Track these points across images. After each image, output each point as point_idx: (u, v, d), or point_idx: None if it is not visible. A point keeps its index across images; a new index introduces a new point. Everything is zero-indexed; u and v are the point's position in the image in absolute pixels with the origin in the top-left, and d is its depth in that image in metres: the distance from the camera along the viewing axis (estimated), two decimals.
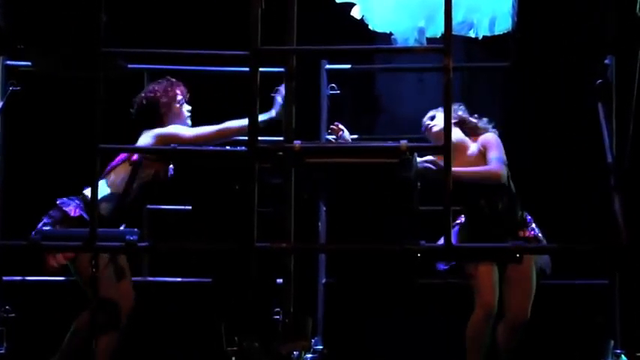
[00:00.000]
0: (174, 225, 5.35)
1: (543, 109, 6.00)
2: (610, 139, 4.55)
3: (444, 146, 4.01)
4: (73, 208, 4.71)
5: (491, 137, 4.86)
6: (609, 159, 4.48)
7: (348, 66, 5.44)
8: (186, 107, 5.02)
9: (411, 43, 5.18)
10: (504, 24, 5.24)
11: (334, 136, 5.04)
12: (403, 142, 4.10)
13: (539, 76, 5.88)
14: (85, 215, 4.66)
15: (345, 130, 5.03)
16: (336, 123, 5.06)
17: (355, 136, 5.36)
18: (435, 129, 4.95)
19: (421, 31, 5.26)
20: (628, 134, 4.32)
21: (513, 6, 4.53)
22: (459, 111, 4.99)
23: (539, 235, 4.85)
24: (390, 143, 4.21)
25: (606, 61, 4.68)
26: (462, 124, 4.96)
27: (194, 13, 6.15)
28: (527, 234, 4.80)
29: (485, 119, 4.97)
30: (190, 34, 5.98)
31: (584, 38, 4.57)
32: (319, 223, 5.14)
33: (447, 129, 3.98)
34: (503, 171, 4.76)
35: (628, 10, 4.12)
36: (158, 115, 4.91)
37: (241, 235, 4.15)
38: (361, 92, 6.16)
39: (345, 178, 4.28)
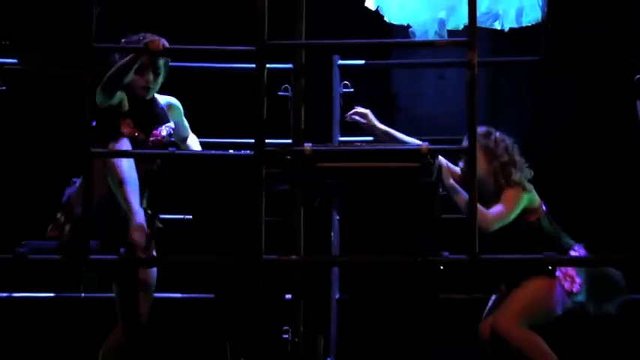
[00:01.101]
0: (173, 236, 5.29)
1: (577, 108, 5.93)
2: None
3: (469, 149, 3.94)
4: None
5: (512, 193, 4.74)
6: None
7: (362, 62, 5.38)
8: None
9: (431, 36, 5.13)
10: (533, 14, 5.18)
11: (362, 120, 4.87)
12: (424, 145, 4.04)
13: (572, 72, 5.80)
14: None
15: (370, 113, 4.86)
16: (355, 108, 4.91)
17: (370, 138, 5.29)
18: None
19: (442, 22, 5.21)
20: None
21: None
22: (514, 150, 4.83)
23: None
24: (409, 146, 4.15)
25: None
26: (503, 169, 4.79)
27: (196, 6, 6.11)
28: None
29: (527, 170, 4.82)
30: (192, 28, 5.94)
31: (622, 29, 4.51)
32: (332, 234, 5.09)
33: (470, 129, 3.91)
34: (493, 226, 4.67)
35: None
36: None
37: (247, 246, 4.10)
38: (377, 90, 6.11)
39: (360, 184, 4.22)
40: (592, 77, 5.75)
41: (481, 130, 4.79)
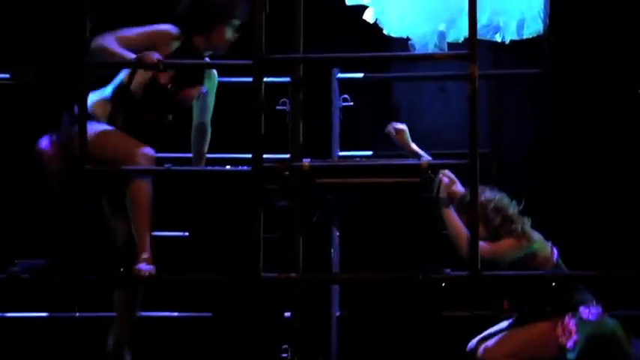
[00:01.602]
0: (171, 253, 5.30)
1: (580, 122, 5.95)
2: None
3: (469, 164, 3.97)
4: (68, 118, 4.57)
5: (509, 242, 4.75)
6: None
7: (362, 75, 5.39)
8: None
9: (431, 48, 5.15)
10: (534, 27, 5.20)
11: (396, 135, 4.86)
12: (424, 160, 4.06)
13: (575, 84, 5.82)
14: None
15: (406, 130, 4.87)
16: (393, 124, 4.92)
17: (370, 153, 5.32)
18: None
19: (442, 35, 5.23)
20: None
21: (545, 6, 4.49)
22: (504, 204, 4.83)
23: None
24: (409, 161, 4.17)
25: None
26: (502, 228, 4.80)
27: None
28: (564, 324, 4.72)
29: (524, 219, 4.83)
30: None
31: (628, 41, 4.54)
32: (332, 250, 5.10)
33: (472, 143, 3.94)
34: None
35: None
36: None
37: (245, 264, 4.12)
38: (376, 103, 6.12)
39: (359, 199, 4.24)
40: (594, 89, 5.77)
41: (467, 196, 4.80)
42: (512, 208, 4.76)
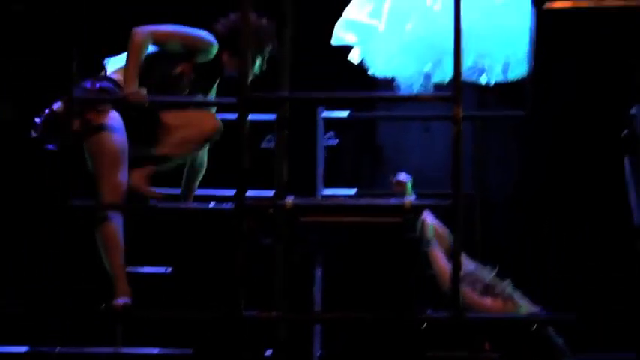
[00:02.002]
0: (153, 288, 5.30)
1: (563, 163, 6.00)
2: (637, 197, 4.54)
3: (452, 205, 4.00)
4: (91, 82, 4.62)
5: (497, 302, 4.79)
6: (636, 221, 4.47)
7: (347, 113, 5.43)
8: None
9: (416, 89, 5.20)
10: (519, 69, 5.26)
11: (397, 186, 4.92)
12: (407, 200, 4.09)
13: (557, 127, 5.88)
14: (108, 85, 4.59)
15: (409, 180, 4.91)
16: (400, 175, 4.96)
17: (354, 191, 5.34)
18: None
19: (427, 76, 5.29)
20: None
21: (529, 50, 4.55)
22: (483, 273, 4.87)
23: None
24: (393, 201, 4.20)
25: (632, 111, 4.69)
26: (486, 292, 4.84)
27: None
28: None
29: (511, 287, 4.88)
30: None
31: (609, 85, 4.60)
32: (314, 289, 5.11)
33: (455, 184, 3.97)
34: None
35: None
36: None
37: (227, 301, 4.13)
38: (362, 142, 6.16)
39: (343, 239, 4.27)
40: (578, 133, 5.83)
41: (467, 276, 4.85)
42: (488, 276, 4.80)
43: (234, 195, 4.10)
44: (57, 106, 4.61)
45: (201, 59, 4.70)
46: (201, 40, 4.69)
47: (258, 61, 4.77)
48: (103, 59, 4.76)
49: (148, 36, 4.58)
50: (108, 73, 4.69)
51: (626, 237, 4.46)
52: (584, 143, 5.86)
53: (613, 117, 4.74)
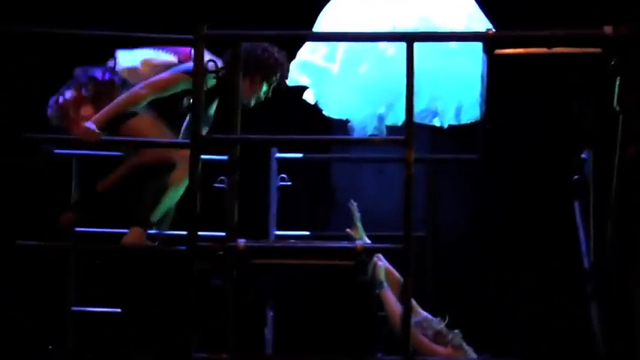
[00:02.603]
0: (102, 329, 5.29)
1: (514, 207, 6.07)
2: (587, 241, 4.60)
3: (404, 248, 4.04)
4: (101, 73, 4.71)
5: (448, 349, 4.84)
6: (586, 264, 4.52)
7: (300, 155, 5.47)
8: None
9: (370, 131, 5.24)
10: (472, 113, 5.33)
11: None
12: (359, 243, 4.13)
13: (509, 170, 5.96)
14: (117, 79, 4.68)
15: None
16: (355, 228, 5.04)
17: (307, 233, 5.38)
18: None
19: (381, 118, 5.34)
20: (606, 236, 4.38)
21: (482, 95, 4.62)
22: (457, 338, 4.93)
23: None
24: (344, 243, 4.23)
25: (583, 156, 4.77)
26: (436, 338, 4.90)
27: None
28: None
29: (460, 337, 4.93)
30: None
31: (560, 131, 4.67)
32: (266, 331, 5.12)
33: (406, 227, 4.01)
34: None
35: (606, 103, 4.23)
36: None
37: (177, 343, 4.12)
38: (316, 184, 6.19)
39: (294, 280, 4.28)
40: (530, 177, 5.91)
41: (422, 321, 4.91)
42: (438, 325, 4.85)
43: (186, 236, 4.11)
44: (69, 94, 4.66)
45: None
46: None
47: (264, 88, 4.87)
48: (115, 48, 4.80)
49: (149, 92, 4.67)
50: (118, 66, 4.76)
51: (576, 279, 4.52)
52: (537, 187, 5.94)
53: (564, 161, 4.81)
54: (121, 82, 4.74)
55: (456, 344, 4.75)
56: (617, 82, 4.12)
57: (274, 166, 5.43)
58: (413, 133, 4.11)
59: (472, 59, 5.22)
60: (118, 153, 4.96)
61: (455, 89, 5.38)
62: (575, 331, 4.47)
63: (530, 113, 4.72)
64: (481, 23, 5.34)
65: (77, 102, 4.66)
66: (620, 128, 4.15)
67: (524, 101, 4.53)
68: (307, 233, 5.38)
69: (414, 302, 4.73)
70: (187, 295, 4.06)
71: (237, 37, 4.39)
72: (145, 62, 4.80)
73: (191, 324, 4.06)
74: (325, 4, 5.39)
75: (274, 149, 5.42)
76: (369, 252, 4.22)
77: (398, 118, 5.30)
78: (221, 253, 4.17)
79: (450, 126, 5.41)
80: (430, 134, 5.73)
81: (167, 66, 4.79)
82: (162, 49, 4.85)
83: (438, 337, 4.77)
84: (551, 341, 5.03)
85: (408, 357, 3.96)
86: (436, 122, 5.42)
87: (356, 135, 5.08)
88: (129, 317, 5.01)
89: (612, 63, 4.12)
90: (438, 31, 5.11)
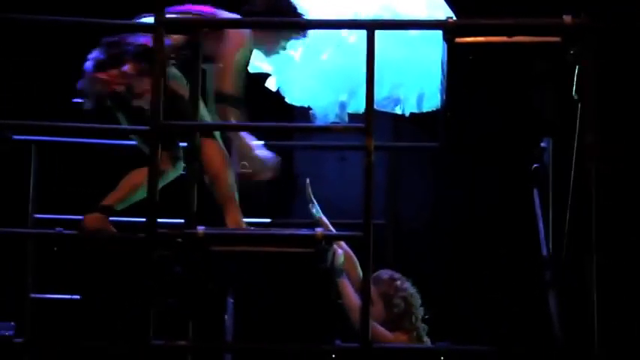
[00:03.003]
0: (60, 315, 5.28)
1: (475, 194, 6.10)
2: (545, 229, 4.64)
3: (363, 236, 4.06)
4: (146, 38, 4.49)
5: (405, 339, 4.88)
6: (544, 252, 4.56)
7: (262, 142, 5.47)
8: None
9: (332, 118, 5.26)
10: (433, 101, 5.37)
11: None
12: (319, 230, 4.15)
13: (470, 159, 5.99)
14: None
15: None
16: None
17: (268, 220, 5.39)
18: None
19: (342, 105, 5.37)
20: (565, 224, 4.42)
21: (442, 83, 4.64)
22: (414, 300, 4.96)
23: None
24: (304, 231, 4.24)
25: (543, 144, 4.81)
26: (399, 319, 4.92)
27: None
28: None
29: (423, 325, 4.98)
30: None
31: (520, 119, 4.70)
32: (225, 317, 5.13)
33: (367, 208, 4.03)
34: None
35: (565, 92, 4.27)
36: None
37: (135, 330, 4.13)
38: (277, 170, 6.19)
39: (254, 268, 4.30)
40: (490, 165, 5.94)
41: (385, 274, 4.95)
42: (419, 311, 4.88)
43: (146, 222, 4.11)
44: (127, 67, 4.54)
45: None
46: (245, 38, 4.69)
47: (283, 43, 4.85)
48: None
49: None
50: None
51: (535, 266, 4.56)
52: (497, 175, 5.98)
53: (524, 149, 4.85)
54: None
55: (414, 336, 4.79)
56: (576, 71, 4.16)
57: (235, 153, 5.42)
58: (372, 121, 4.13)
59: (434, 48, 5.25)
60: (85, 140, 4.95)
61: (417, 77, 5.42)
62: (533, 317, 4.51)
63: (491, 102, 4.73)
64: (442, 12, 5.38)
65: (140, 71, 4.52)
66: (578, 117, 4.19)
67: (485, 90, 4.55)
68: (268, 220, 5.39)
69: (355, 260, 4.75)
70: (146, 282, 4.06)
71: (197, 22, 4.39)
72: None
73: (149, 311, 4.06)
74: None
75: None
76: (329, 239, 4.23)
77: (360, 105, 5.32)
78: (179, 240, 4.18)
79: (411, 114, 5.45)
80: (392, 122, 5.75)
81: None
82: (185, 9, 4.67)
83: (405, 316, 4.81)
84: (511, 327, 5.08)
85: (365, 346, 3.98)
86: (398, 110, 5.46)
87: (318, 122, 5.09)
88: (87, 304, 5.00)
89: (571, 52, 4.16)
90: (399, 19, 5.14)
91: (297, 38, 4.89)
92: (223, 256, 4.21)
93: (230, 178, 4.55)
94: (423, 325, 4.92)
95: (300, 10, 4.83)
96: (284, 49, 4.91)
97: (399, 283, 4.93)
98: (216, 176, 4.53)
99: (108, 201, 4.64)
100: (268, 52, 4.92)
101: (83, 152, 5.23)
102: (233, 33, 4.65)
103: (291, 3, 4.83)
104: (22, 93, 6.03)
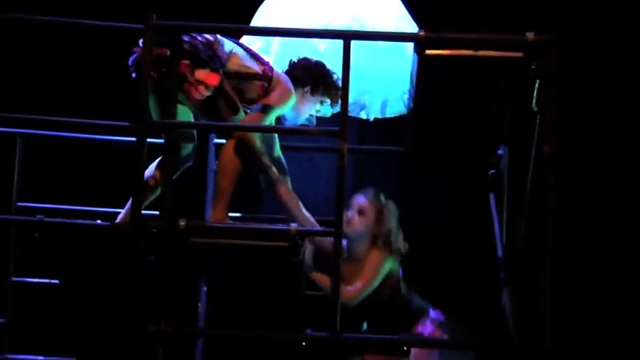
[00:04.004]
0: (40, 300, 5.25)
1: (436, 197, 6.17)
2: (501, 231, 4.71)
3: (335, 232, 4.10)
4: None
5: (378, 256, 4.94)
6: (499, 252, 4.63)
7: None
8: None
9: (301, 121, 5.29)
10: (396, 107, 5.45)
11: None
12: (293, 226, 4.18)
13: (431, 163, 6.06)
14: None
15: None
16: None
17: (238, 215, 5.40)
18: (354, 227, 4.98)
19: None
20: (520, 228, 4.49)
21: (409, 91, 4.70)
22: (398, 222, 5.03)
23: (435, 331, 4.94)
24: (279, 226, 4.27)
25: (500, 152, 4.88)
26: (387, 235, 4.99)
27: (77, 76, 6.11)
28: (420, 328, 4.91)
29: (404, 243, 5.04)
30: (73, 99, 5.94)
31: (479, 128, 4.78)
32: (199, 305, 5.14)
33: (338, 208, 4.07)
34: (358, 299, 4.84)
35: (524, 103, 4.33)
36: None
37: (114, 315, 4.12)
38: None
39: (230, 259, 4.32)
40: (450, 169, 6.01)
41: (372, 192, 5.00)
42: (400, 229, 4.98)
43: (131, 214, 4.12)
44: None
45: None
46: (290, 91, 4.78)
47: (317, 107, 4.96)
48: None
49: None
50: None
51: (491, 267, 4.63)
52: (455, 179, 6.05)
53: (483, 156, 4.91)
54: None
55: (390, 248, 4.89)
56: (537, 85, 4.23)
57: (212, 150, 5.44)
58: (347, 125, 4.18)
59: (397, 57, 5.33)
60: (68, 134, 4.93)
61: (381, 85, 5.48)
62: (489, 314, 4.57)
63: (453, 110, 4.79)
64: (408, 24, 5.44)
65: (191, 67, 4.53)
66: (537, 128, 4.26)
67: (449, 99, 4.62)
68: (239, 215, 5.41)
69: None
70: (129, 270, 4.07)
71: (181, 27, 4.41)
72: (234, 55, 4.71)
73: (133, 298, 4.06)
74: (261, 3, 5.44)
75: (212, 135, 5.44)
76: (303, 235, 4.27)
77: (327, 110, 5.37)
78: (155, 230, 4.17)
79: (375, 119, 5.50)
80: (357, 126, 5.80)
81: (250, 73, 4.73)
82: (250, 52, 4.80)
83: (389, 235, 4.89)
84: (469, 325, 5.15)
85: (335, 335, 4.02)
86: (363, 115, 5.52)
87: (288, 124, 5.12)
88: (67, 289, 4.98)
89: (532, 67, 4.23)
90: (369, 30, 5.19)
91: (331, 104, 4.98)
92: (202, 247, 4.22)
93: (231, 180, 4.58)
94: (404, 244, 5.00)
95: (335, 77, 4.89)
96: (318, 112, 5.01)
97: (389, 202, 5.00)
98: (222, 171, 4.57)
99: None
100: (299, 114, 4.99)
101: (66, 145, 5.19)
102: (283, 90, 4.76)
103: (328, 69, 4.92)
104: (9, 85, 5.97)
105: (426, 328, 4.93)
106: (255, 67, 4.75)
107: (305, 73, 4.88)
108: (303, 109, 4.96)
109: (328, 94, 4.93)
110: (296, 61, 4.93)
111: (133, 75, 4.59)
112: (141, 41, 4.47)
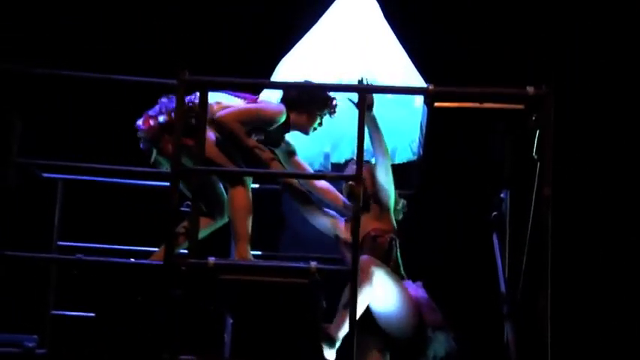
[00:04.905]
0: (77, 332, 5.31)
1: (442, 237, 6.23)
2: (503, 268, 4.79)
3: (351, 270, 4.19)
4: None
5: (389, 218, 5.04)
6: (502, 288, 4.71)
7: (256, 185, 5.58)
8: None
9: (316, 166, 5.40)
10: (405, 154, 5.54)
11: None
12: (313, 264, 4.27)
13: (439, 205, 6.13)
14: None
15: None
16: None
17: (259, 252, 5.49)
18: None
19: (327, 156, 5.53)
20: (521, 265, 4.58)
21: (420, 140, 4.80)
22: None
23: None
24: (300, 264, 4.36)
25: (502, 195, 4.97)
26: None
27: (114, 121, 6.19)
28: None
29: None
30: (111, 145, 6.03)
31: (483, 174, 4.88)
32: (225, 335, 5.20)
33: (355, 256, 4.15)
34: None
35: (525, 151, 4.44)
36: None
37: (146, 346, 4.19)
38: (266, 209, 6.29)
39: (254, 294, 4.40)
40: (456, 211, 6.09)
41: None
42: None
43: (165, 253, 4.21)
44: (162, 118, 4.75)
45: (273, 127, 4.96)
46: (279, 112, 4.93)
47: (319, 120, 5.08)
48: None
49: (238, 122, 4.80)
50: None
51: (494, 303, 4.70)
52: (460, 221, 6.12)
53: (486, 199, 5.00)
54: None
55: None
56: (537, 135, 4.34)
57: None
58: (362, 169, 4.29)
59: (405, 108, 5.43)
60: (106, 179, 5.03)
61: (390, 133, 5.57)
62: (493, 346, 4.64)
63: (460, 157, 4.89)
64: (415, 77, 5.54)
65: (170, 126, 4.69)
66: (537, 174, 4.37)
67: (456, 147, 4.72)
68: (259, 253, 5.49)
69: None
70: (163, 306, 4.15)
71: (212, 83, 4.52)
72: (218, 103, 4.88)
73: (164, 330, 4.14)
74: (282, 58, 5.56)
75: None
76: (321, 272, 4.35)
77: (341, 156, 5.50)
78: (183, 268, 4.26)
79: None
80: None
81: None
82: (231, 94, 4.97)
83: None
84: (473, 355, 5.20)
85: None
86: (373, 161, 5.60)
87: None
88: (103, 322, 5.05)
89: (533, 118, 4.35)
90: (378, 84, 5.30)
91: (330, 114, 5.12)
92: (229, 283, 4.31)
93: (247, 221, 4.74)
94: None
95: (332, 96, 5.07)
96: (320, 125, 5.13)
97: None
98: (236, 218, 4.72)
99: None
100: (306, 131, 5.13)
101: (105, 189, 5.29)
102: (264, 103, 5.02)
103: (318, 83, 5.08)
104: (53, 133, 6.07)
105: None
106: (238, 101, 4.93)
107: (298, 92, 5.03)
108: (306, 124, 5.07)
109: (324, 106, 5.06)
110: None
111: (141, 146, 4.82)
112: (161, 117, 4.70)
